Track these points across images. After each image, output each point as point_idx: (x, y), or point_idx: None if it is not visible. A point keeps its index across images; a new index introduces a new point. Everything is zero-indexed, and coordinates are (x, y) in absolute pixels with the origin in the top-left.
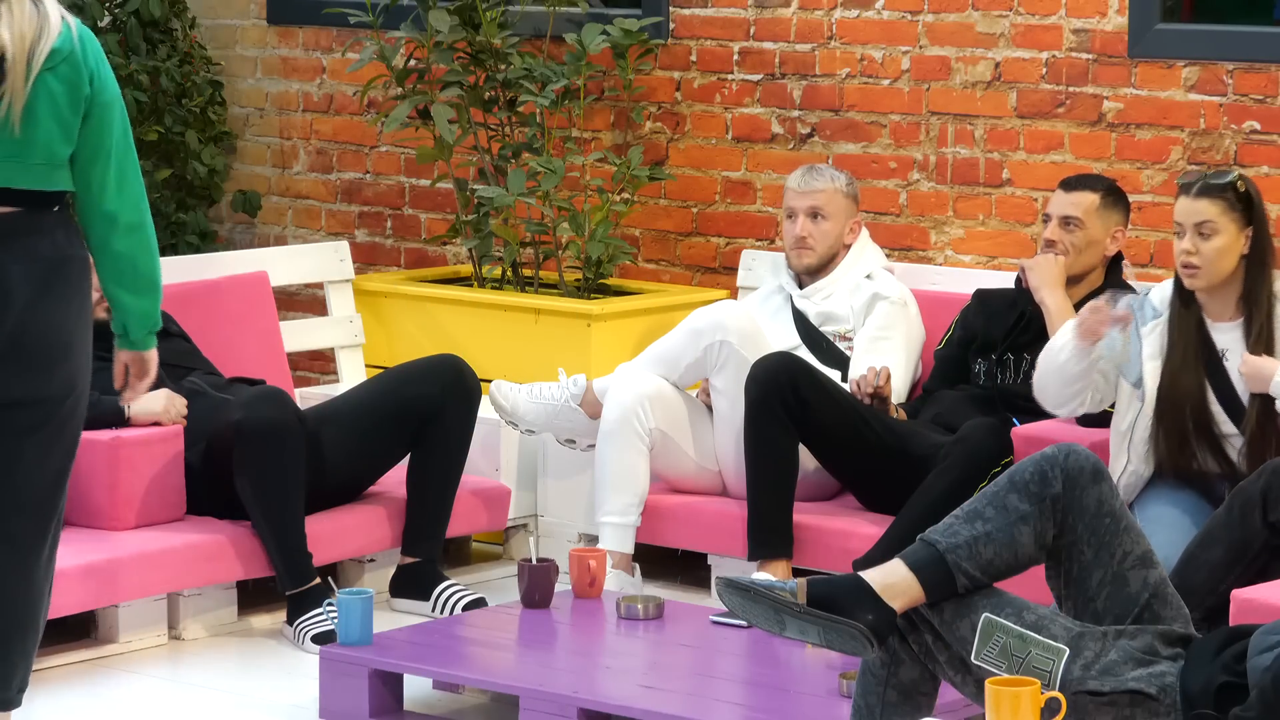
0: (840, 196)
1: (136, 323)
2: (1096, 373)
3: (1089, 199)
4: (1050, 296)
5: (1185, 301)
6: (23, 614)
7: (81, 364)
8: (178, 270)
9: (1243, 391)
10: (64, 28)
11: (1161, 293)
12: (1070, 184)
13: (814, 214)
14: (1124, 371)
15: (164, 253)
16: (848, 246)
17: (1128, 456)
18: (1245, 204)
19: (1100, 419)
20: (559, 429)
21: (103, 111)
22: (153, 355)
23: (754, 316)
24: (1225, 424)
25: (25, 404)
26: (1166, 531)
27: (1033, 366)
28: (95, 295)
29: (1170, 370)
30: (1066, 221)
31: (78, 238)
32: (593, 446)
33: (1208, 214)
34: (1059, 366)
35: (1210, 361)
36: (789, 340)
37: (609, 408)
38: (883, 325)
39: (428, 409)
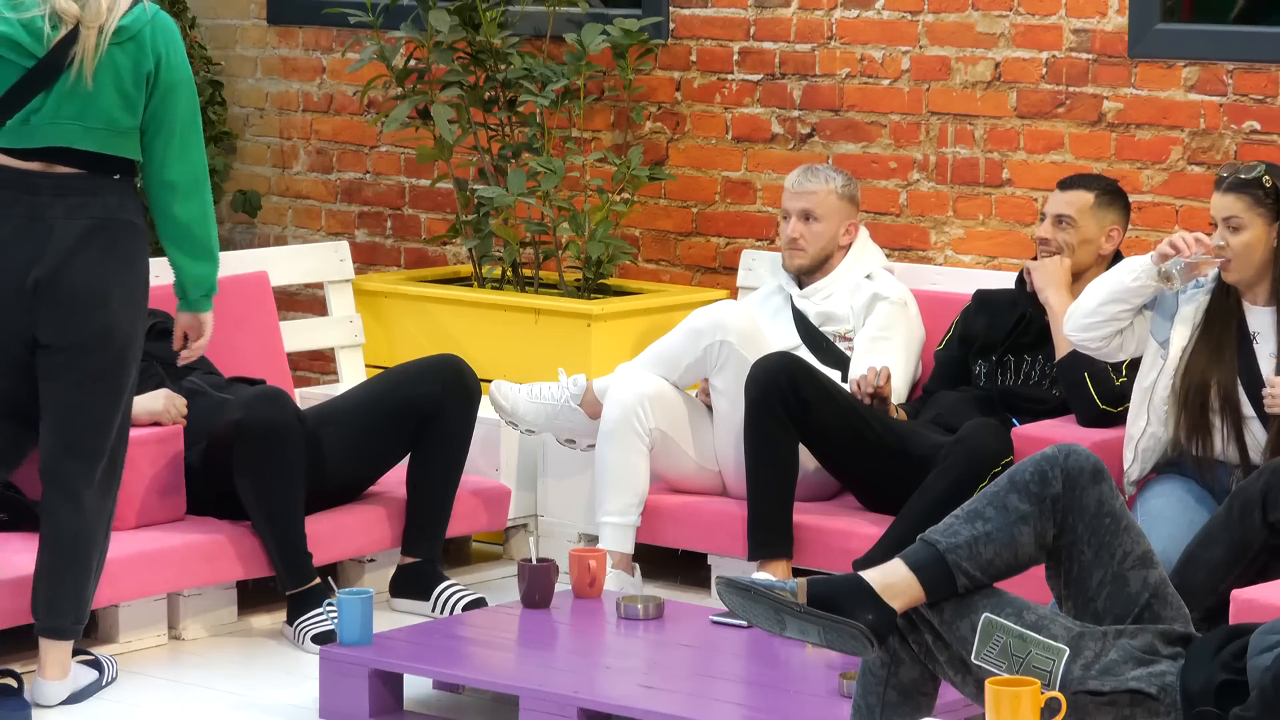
0: (834, 198)
1: (193, 285)
2: (1137, 306)
3: (1083, 198)
4: (1055, 297)
5: (1226, 282)
6: (70, 549)
7: (121, 320)
8: None
9: (1267, 374)
10: (137, 8)
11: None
12: (1066, 183)
13: (806, 216)
14: (1153, 329)
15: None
16: (844, 248)
17: (1147, 418)
18: (1274, 199)
19: (1103, 419)
20: (559, 429)
21: (168, 90)
22: (208, 318)
23: (754, 316)
24: (1246, 406)
25: (59, 348)
26: (1168, 528)
27: (1033, 368)
28: None
29: (1202, 344)
30: (1059, 220)
31: (134, 206)
32: (593, 446)
33: (1234, 209)
34: (1116, 280)
35: (1242, 341)
36: (789, 340)
37: (609, 408)
38: (883, 325)
39: (428, 409)
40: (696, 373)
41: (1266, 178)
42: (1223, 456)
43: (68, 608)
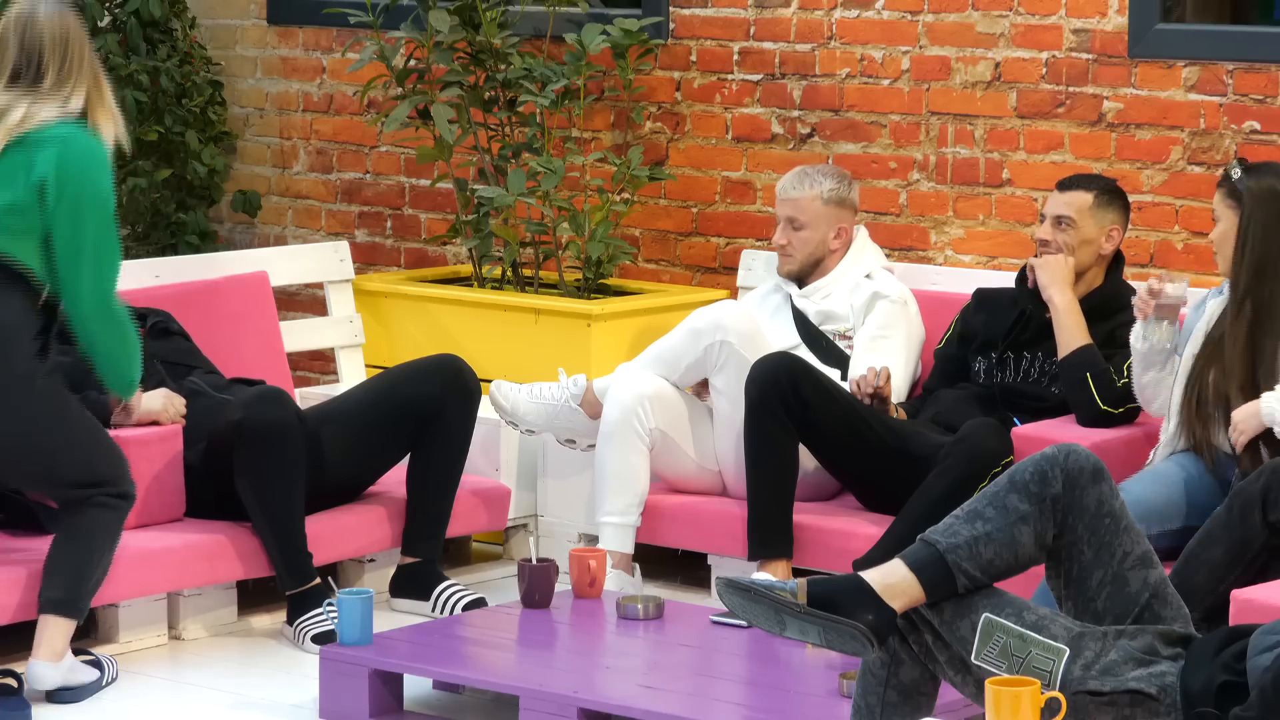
0: (819, 204)
1: (111, 381)
2: (1168, 357)
3: (1082, 198)
4: (1059, 294)
5: None
6: (72, 532)
7: None
8: (178, 270)
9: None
10: (54, 125)
11: None
12: (1065, 184)
13: (792, 222)
14: (1179, 342)
15: (164, 253)
16: (836, 251)
17: (1168, 418)
18: (1239, 191)
19: (1104, 419)
20: (559, 429)
21: (75, 206)
22: (135, 401)
23: (754, 316)
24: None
25: None
26: (1150, 477)
27: (1033, 365)
28: None
29: (1208, 339)
30: (1059, 221)
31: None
32: (593, 447)
33: (1215, 203)
34: (1133, 352)
35: None
36: (789, 340)
37: (609, 408)
38: (883, 324)
39: (428, 409)
40: (697, 373)
41: (1234, 170)
42: (1219, 445)
43: (65, 582)
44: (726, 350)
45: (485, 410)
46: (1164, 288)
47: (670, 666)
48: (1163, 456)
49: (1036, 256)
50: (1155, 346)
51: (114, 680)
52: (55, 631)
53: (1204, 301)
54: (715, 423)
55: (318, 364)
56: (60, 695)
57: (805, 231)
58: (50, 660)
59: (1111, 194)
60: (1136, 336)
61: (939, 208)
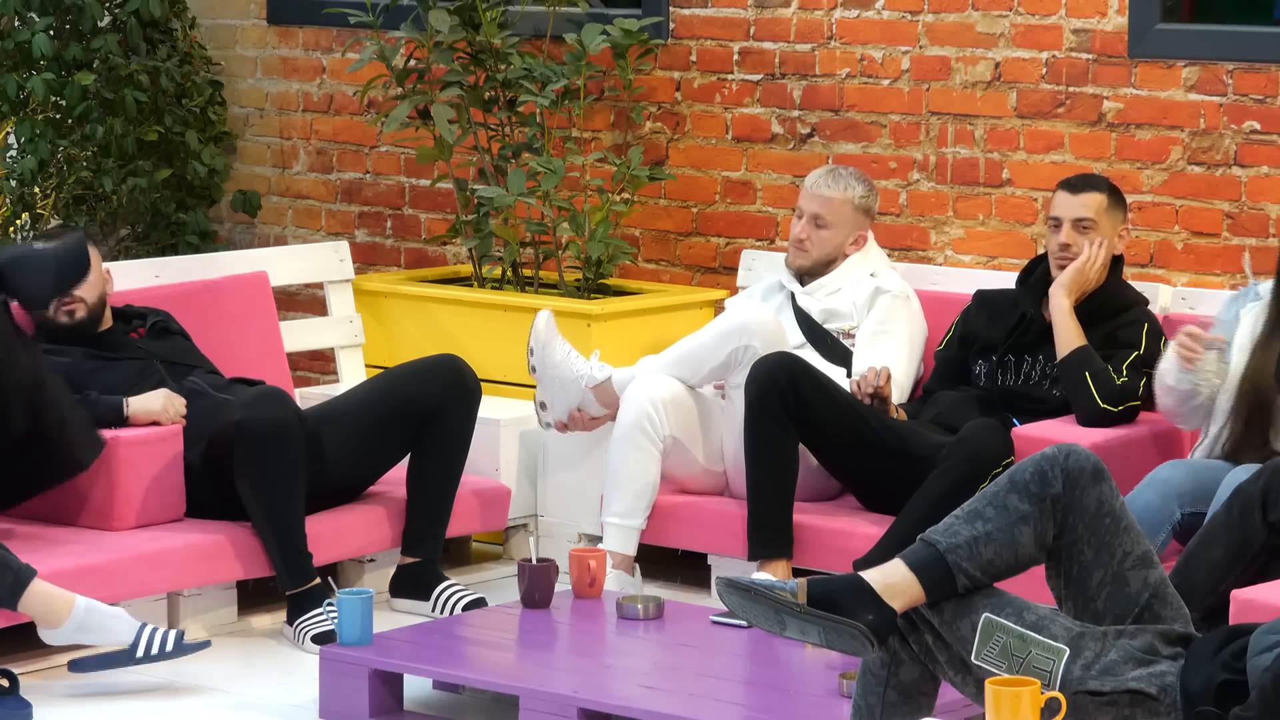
0: (848, 209)
1: None
2: (1205, 387)
3: (1098, 199)
4: (1062, 296)
5: None
6: None
7: None
8: (178, 270)
9: None
10: None
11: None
12: (1076, 186)
13: (816, 220)
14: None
15: (164, 253)
16: (848, 255)
17: (1209, 424)
18: None
19: (1104, 419)
20: (552, 391)
21: None
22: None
23: (780, 322)
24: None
25: None
26: (1182, 464)
27: (1033, 368)
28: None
29: (1255, 347)
30: (1080, 224)
31: None
32: (560, 423)
33: None
34: (1167, 386)
35: None
36: (794, 339)
37: (624, 410)
38: (884, 319)
39: (428, 409)
40: (718, 375)
41: None
42: (1262, 455)
43: None
44: (750, 355)
45: (485, 410)
46: (1205, 334)
47: (670, 666)
48: (1201, 456)
49: (1059, 265)
50: (1205, 380)
51: (153, 657)
52: (27, 608)
53: (1235, 303)
54: (729, 422)
55: (318, 364)
56: (84, 663)
57: (827, 231)
58: (47, 628)
59: (1116, 193)
60: (1180, 379)
61: (939, 208)
